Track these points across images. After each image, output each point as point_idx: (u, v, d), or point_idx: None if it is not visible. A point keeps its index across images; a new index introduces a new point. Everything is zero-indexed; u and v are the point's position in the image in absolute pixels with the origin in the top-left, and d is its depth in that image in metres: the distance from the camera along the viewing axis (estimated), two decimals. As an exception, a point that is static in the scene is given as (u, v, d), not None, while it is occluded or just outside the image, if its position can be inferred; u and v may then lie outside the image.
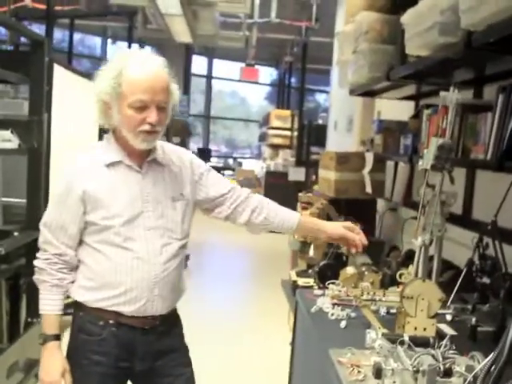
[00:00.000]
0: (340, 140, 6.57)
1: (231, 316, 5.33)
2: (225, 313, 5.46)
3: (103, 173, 1.80)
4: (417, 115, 3.32)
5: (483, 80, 2.92)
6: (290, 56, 11.24)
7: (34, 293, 3.37)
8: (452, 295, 2.35)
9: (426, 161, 2.02)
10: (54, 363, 1.81)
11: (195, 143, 16.02)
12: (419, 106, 3.67)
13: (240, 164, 14.81)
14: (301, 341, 2.45)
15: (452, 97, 2.01)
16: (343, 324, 2.10)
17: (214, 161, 15.33)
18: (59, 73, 3.85)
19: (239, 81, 12.62)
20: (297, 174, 9.39)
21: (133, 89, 1.70)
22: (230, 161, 15.87)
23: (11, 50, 6.45)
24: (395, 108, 4.34)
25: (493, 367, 1.21)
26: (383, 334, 1.76)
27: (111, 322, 1.81)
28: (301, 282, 3.17)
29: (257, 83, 11.43)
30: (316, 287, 2.79)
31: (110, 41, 12.42)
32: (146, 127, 1.72)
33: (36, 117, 3.40)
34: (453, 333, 2.01)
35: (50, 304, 1.82)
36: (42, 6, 6.61)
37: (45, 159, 3.56)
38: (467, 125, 2.47)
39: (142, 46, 10.02)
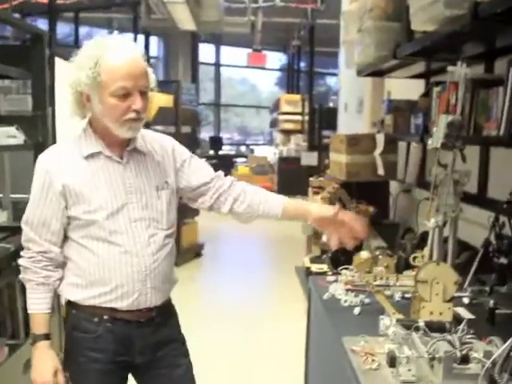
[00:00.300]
0: (351, 122, 6.47)
1: (247, 303, 5.32)
2: (240, 300, 5.44)
3: (82, 165, 1.75)
4: (427, 93, 3.23)
5: (494, 54, 2.83)
6: (297, 40, 11.10)
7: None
8: (469, 277, 2.28)
9: (436, 139, 1.95)
10: (45, 363, 1.78)
11: (207, 132, 15.97)
12: (429, 83, 3.58)
13: (252, 151, 14.74)
14: (315, 329, 2.40)
15: (460, 72, 1.93)
16: (357, 311, 2.05)
17: (226, 149, 15.26)
18: (62, 66, 3.81)
19: (247, 67, 12.53)
20: (309, 159, 9.31)
21: (113, 76, 1.64)
22: (243, 148, 15.79)
23: (12, 44, 6.42)
24: (405, 87, 4.25)
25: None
26: (397, 320, 1.70)
27: (106, 317, 1.78)
28: (314, 268, 3.11)
29: (264, 68, 11.32)
30: (330, 273, 2.74)
31: (116, 33, 12.36)
32: (132, 115, 1.68)
33: (40, 111, 3.37)
34: (470, 316, 1.94)
35: (36, 303, 1.78)
36: (45, 1, 6.56)
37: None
38: (478, 101, 2.38)
39: (147, 36, 9.96)
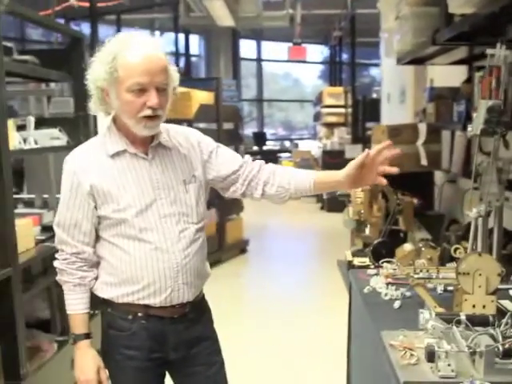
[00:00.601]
0: (394, 113, 6.36)
1: (292, 298, 5.29)
2: (285, 295, 5.42)
3: (109, 164, 1.74)
4: (469, 79, 3.13)
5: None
6: (338, 31, 10.95)
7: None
8: (515, 268, 2.19)
9: (476, 126, 1.88)
10: (87, 362, 1.80)
11: (252, 128, 15.99)
12: (472, 69, 3.46)
13: (296, 145, 14.67)
14: (355, 323, 2.36)
15: (500, 54, 1.85)
16: (397, 304, 2.00)
17: (270, 144, 15.25)
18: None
19: (288, 61, 12.45)
20: (353, 152, 9.17)
21: (129, 72, 1.63)
22: (287, 143, 15.74)
23: (53, 49, 6.57)
24: (448, 74, 4.13)
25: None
26: (437, 314, 1.64)
27: (140, 314, 1.79)
28: (356, 261, 3.06)
29: (305, 62, 11.22)
30: (372, 266, 2.69)
31: (157, 33, 12.53)
32: (148, 112, 1.66)
33: (82, 113, 3.44)
34: (516, 309, 1.87)
35: (74, 304, 1.80)
36: (87, 5, 6.70)
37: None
38: (522, 84, 2.29)
39: (187, 35, 10.04)
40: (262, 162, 1.95)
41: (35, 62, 3.15)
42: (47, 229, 3.20)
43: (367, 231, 3.53)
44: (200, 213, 1.85)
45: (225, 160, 1.90)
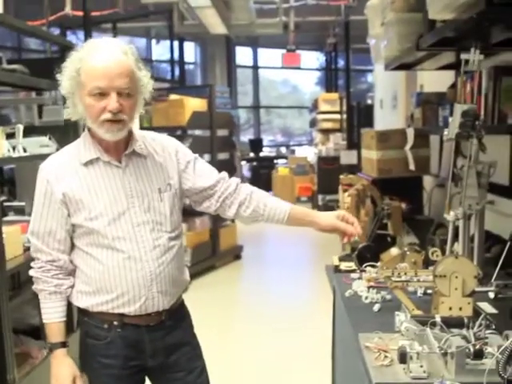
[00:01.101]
0: (386, 118, 6.39)
1: (285, 304, 5.30)
2: (279, 301, 5.43)
3: (82, 172, 1.74)
4: (454, 84, 3.15)
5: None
6: (332, 38, 11.00)
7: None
8: (496, 271, 2.21)
9: (452, 130, 1.90)
10: (63, 371, 1.78)
11: (250, 134, 16.01)
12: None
13: (293, 152, 14.70)
14: (338, 326, 2.38)
15: (474, 59, 1.87)
16: (376, 307, 2.03)
17: (266, 150, 15.26)
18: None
19: (282, 67, 12.48)
20: (349, 157, 9.19)
21: (90, 76, 1.64)
22: (283, 149, 15.77)
23: (43, 58, 6.61)
24: (437, 79, 4.16)
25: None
26: (413, 316, 1.66)
27: (115, 323, 1.79)
28: (343, 266, 3.07)
29: (300, 68, 11.26)
30: (358, 271, 2.71)
31: (154, 41, 12.57)
32: (107, 115, 1.65)
33: (71, 121, 3.45)
34: (493, 311, 1.89)
35: (50, 312, 1.80)
36: (81, 13, 6.74)
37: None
38: (502, 88, 2.31)
39: (181, 43, 10.08)
40: (239, 180, 1.95)
41: (24, 71, 3.17)
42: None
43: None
44: (174, 221, 1.85)
45: (202, 173, 1.90)
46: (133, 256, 1.75)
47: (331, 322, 2.61)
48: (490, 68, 2.37)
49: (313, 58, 16.64)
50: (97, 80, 1.63)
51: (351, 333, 1.83)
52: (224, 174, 1.96)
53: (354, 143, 9.47)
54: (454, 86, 3.18)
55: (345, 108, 10.26)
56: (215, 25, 6.62)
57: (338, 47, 12.10)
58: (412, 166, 3.74)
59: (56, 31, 9.44)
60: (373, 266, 2.20)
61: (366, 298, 2.12)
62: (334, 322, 2.48)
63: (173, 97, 6.31)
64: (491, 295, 2.06)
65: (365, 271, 2.21)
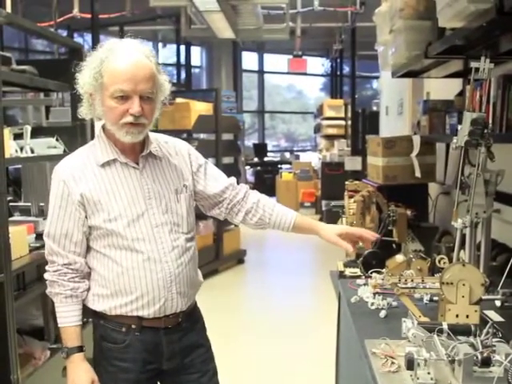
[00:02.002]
0: (392, 125, 6.39)
1: (290, 309, 5.29)
2: (282, 306, 5.42)
3: (99, 174, 1.73)
4: (462, 92, 3.15)
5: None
6: (339, 44, 11.03)
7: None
8: (502, 279, 2.21)
9: (461, 137, 1.90)
10: (80, 376, 1.75)
11: (255, 139, 16.02)
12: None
13: (297, 157, 14.71)
14: (343, 332, 2.38)
15: (484, 67, 1.87)
16: (383, 314, 2.02)
17: (271, 155, 15.27)
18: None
19: (288, 73, 12.52)
20: (353, 164, 9.21)
21: (113, 79, 1.64)
22: (287, 154, 15.78)
23: (51, 59, 6.65)
24: (444, 87, 4.16)
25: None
26: (420, 323, 1.66)
27: (133, 326, 1.77)
28: (348, 272, 3.08)
29: (306, 74, 11.28)
30: (363, 277, 2.71)
31: (160, 45, 12.60)
32: (129, 119, 1.65)
33: (79, 122, 3.47)
34: (500, 319, 1.88)
35: (67, 316, 1.76)
36: (90, 16, 6.76)
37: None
38: (510, 97, 2.31)
39: (188, 47, 10.12)
40: (247, 187, 1.99)
41: (33, 72, 3.18)
42: (42, 237, 3.23)
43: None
44: (190, 223, 1.86)
45: (212, 178, 1.92)
46: (152, 257, 1.74)
47: (335, 328, 2.60)
48: (499, 77, 2.37)
49: (318, 64, 16.67)
50: (120, 83, 1.63)
51: (357, 339, 1.83)
52: (233, 179, 1.98)
53: (358, 149, 9.49)
54: (461, 93, 3.19)
55: (350, 114, 10.28)
56: (223, 29, 6.64)
57: (343, 53, 12.12)
58: (418, 174, 3.73)
59: (63, 33, 9.48)
60: (378, 273, 2.20)
61: (372, 304, 2.12)
62: (339, 327, 2.48)
63: (179, 100, 6.33)
64: (498, 303, 2.06)
65: (370, 277, 2.22)
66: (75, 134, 3.45)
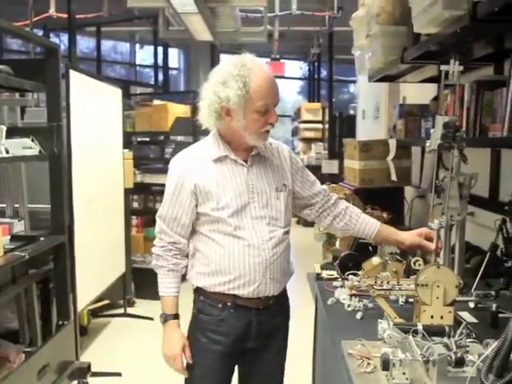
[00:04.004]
0: (368, 129, 6.45)
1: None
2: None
3: (211, 167, 1.93)
4: (437, 97, 3.20)
5: (503, 55, 2.79)
6: (316, 48, 11.11)
7: (63, 297, 3.47)
8: (476, 281, 2.25)
9: (433, 141, 1.94)
10: (174, 339, 1.97)
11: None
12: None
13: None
14: (320, 333, 2.40)
15: (453, 70, 1.91)
16: (359, 315, 2.04)
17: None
18: (79, 79, 3.89)
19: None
20: (330, 167, 9.28)
21: (260, 95, 1.83)
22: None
23: (27, 59, 6.56)
24: (420, 92, 4.22)
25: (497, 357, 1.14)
26: (395, 324, 1.68)
27: (229, 304, 1.95)
28: (325, 274, 3.09)
29: (284, 77, 11.33)
30: (339, 279, 2.73)
31: (138, 46, 12.56)
32: (269, 127, 1.90)
33: (55, 123, 3.44)
34: (473, 320, 1.92)
35: (167, 287, 1.99)
36: (66, 16, 6.69)
37: (66, 165, 3.60)
38: (484, 102, 2.36)
39: (165, 48, 10.09)
40: (336, 196, 2.23)
41: (9, 72, 3.15)
42: (17, 238, 3.19)
43: (337, 244, 3.57)
44: (287, 218, 2.04)
45: (308, 181, 2.14)
46: (252, 244, 1.92)
47: (312, 329, 2.62)
48: (473, 82, 2.42)
49: (296, 68, 16.76)
50: (266, 98, 1.85)
51: (334, 340, 1.85)
52: (325, 186, 2.24)
53: (335, 153, 9.56)
54: (436, 98, 3.23)
55: (327, 118, 10.35)
56: (201, 31, 6.63)
57: (321, 57, 12.20)
58: (394, 177, 3.78)
59: (39, 32, 9.38)
60: (355, 275, 2.22)
61: (349, 305, 2.14)
62: (316, 329, 2.50)
63: (156, 102, 6.31)
64: (471, 305, 2.10)
65: (347, 279, 2.24)
66: (51, 135, 3.41)
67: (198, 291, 2.02)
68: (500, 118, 2.21)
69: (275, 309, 2.03)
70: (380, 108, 5.80)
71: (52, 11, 7.06)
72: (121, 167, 4.93)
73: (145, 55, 13.65)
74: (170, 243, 1.99)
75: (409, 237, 2.11)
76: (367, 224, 2.15)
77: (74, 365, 3.43)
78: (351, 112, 10.34)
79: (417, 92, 4.38)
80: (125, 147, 5.11)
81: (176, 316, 2.00)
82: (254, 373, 2.10)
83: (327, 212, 2.16)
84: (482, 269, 2.25)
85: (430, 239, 2.07)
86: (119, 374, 3.84)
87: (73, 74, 3.75)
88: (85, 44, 13.25)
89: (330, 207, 2.16)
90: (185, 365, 2.00)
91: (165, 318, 2.00)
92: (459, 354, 1.43)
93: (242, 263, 1.92)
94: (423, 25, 2.31)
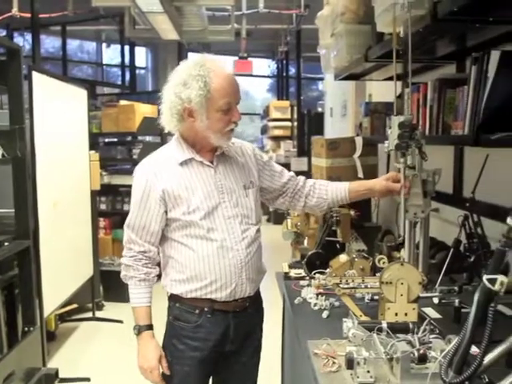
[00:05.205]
0: (336, 126, 6.49)
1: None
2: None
3: (178, 171, 1.92)
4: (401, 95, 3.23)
5: (465, 53, 2.83)
6: (284, 46, 11.14)
7: (29, 302, 3.41)
8: (440, 277, 2.28)
9: (391, 141, 1.96)
10: (150, 351, 1.94)
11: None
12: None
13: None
14: (287, 333, 2.40)
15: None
16: (325, 314, 2.06)
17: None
18: (42, 80, 3.82)
19: (234, 74, 12.52)
20: (299, 164, 9.32)
21: (222, 93, 1.84)
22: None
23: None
24: (385, 89, 4.24)
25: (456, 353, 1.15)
26: (360, 323, 1.69)
27: (206, 309, 1.94)
28: (293, 273, 3.10)
29: (252, 75, 11.34)
30: (307, 278, 2.73)
31: (104, 45, 12.39)
32: (233, 126, 1.91)
33: (17, 126, 3.37)
34: (437, 316, 1.94)
35: (139, 297, 1.97)
36: (29, 15, 6.56)
37: (30, 168, 3.54)
38: (446, 100, 2.38)
39: (132, 47, 9.98)
40: (304, 177, 2.24)
41: (-32, 73, 3.08)
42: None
43: (305, 243, 3.58)
44: (258, 215, 2.06)
45: (276, 172, 2.16)
46: (225, 245, 1.92)
47: (280, 330, 2.62)
48: (435, 80, 2.44)
49: (264, 65, 16.76)
50: (228, 96, 1.85)
51: (300, 340, 1.85)
52: (292, 172, 2.22)
53: (304, 150, 9.61)
54: (400, 96, 3.26)
55: (295, 115, 10.39)
56: (167, 30, 6.57)
57: (289, 55, 12.23)
58: (360, 174, 3.81)
59: (2, 32, 9.20)
60: (322, 273, 2.23)
61: (315, 305, 2.15)
62: (284, 329, 2.50)
63: (123, 102, 6.23)
64: (435, 300, 2.12)
65: (314, 278, 2.25)
66: (13, 138, 3.35)
67: (174, 298, 2.00)
68: (461, 115, 2.24)
69: (251, 311, 2.04)
70: (347, 106, 5.84)
71: (15, 11, 6.91)
72: (87, 169, 4.87)
73: (112, 54, 13.49)
74: (139, 252, 1.96)
75: (377, 182, 2.16)
76: (337, 189, 2.18)
77: (41, 372, 3.37)
78: (319, 109, 10.39)
79: (382, 90, 4.41)
80: (91, 148, 5.05)
81: (150, 327, 1.98)
82: (231, 377, 2.09)
83: (299, 194, 2.18)
84: (445, 264, 2.29)
85: (397, 182, 2.09)
86: (88, 380, 3.79)
87: (35, 75, 3.68)
88: (50, 43, 13.04)
89: (300, 189, 2.18)
90: (161, 375, 1.98)
91: (139, 330, 1.96)
92: (422, 351, 1.45)
93: (217, 266, 1.92)
94: (386, 24, 2.33)
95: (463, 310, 1.90)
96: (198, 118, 1.86)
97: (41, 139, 3.71)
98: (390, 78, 3.80)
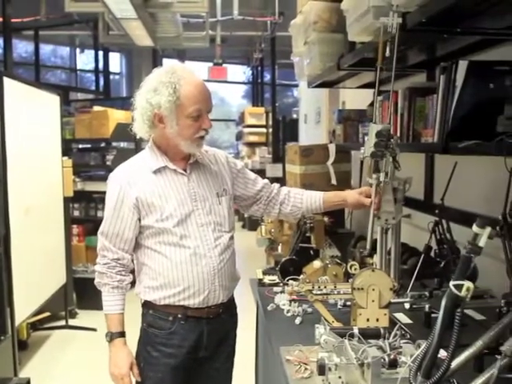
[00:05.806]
0: (310, 133, 6.53)
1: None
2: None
3: (151, 179, 1.93)
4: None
5: (435, 62, 2.88)
6: (259, 52, 11.19)
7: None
8: (411, 282, 2.31)
9: (367, 149, 1.99)
10: (121, 358, 1.94)
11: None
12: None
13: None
14: (261, 341, 2.41)
15: (392, 22, 1.94)
16: (298, 320, 2.07)
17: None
18: (14, 86, 3.78)
19: (208, 81, 12.55)
20: (274, 171, 9.35)
21: (192, 100, 1.85)
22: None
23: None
24: (358, 97, 4.30)
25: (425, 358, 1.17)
26: (332, 329, 1.71)
27: (180, 316, 1.95)
28: (267, 279, 3.11)
29: (227, 82, 11.37)
30: (281, 284, 2.74)
31: (78, 50, 12.29)
32: (202, 133, 1.91)
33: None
34: (408, 321, 1.97)
35: (112, 305, 1.96)
36: (1, 19, 6.48)
37: (1, 174, 3.50)
38: (416, 108, 2.43)
39: (106, 53, 9.92)
40: (278, 184, 2.28)
41: None
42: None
43: (279, 249, 3.59)
44: (231, 222, 2.07)
45: (250, 180, 2.18)
46: (198, 252, 1.93)
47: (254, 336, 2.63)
48: (406, 89, 2.48)
49: (239, 72, 16.80)
50: (198, 103, 1.87)
51: (273, 346, 1.86)
52: (266, 180, 2.26)
53: (279, 157, 9.64)
54: (372, 104, 3.30)
55: (271, 122, 10.43)
56: (141, 37, 6.55)
57: (264, 62, 12.28)
58: (334, 181, 3.84)
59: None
60: (295, 280, 2.25)
61: (288, 311, 2.17)
62: (257, 336, 2.51)
63: (96, 108, 6.19)
64: (407, 306, 2.15)
65: (287, 285, 2.26)
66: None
67: (147, 305, 2.01)
68: (431, 123, 2.28)
69: (225, 317, 2.05)
70: (321, 112, 5.89)
71: (-15, 15, 6.80)
72: (60, 175, 4.82)
73: (86, 59, 13.38)
74: (113, 260, 1.97)
75: (350, 195, 2.21)
76: (312, 198, 2.22)
77: (13, 381, 3.32)
78: (294, 116, 10.45)
79: (355, 97, 4.46)
80: (64, 155, 5.01)
81: (122, 334, 1.98)
82: (206, 383, 2.09)
83: (273, 202, 2.21)
84: (416, 270, 2.32)
85: (369, 197, 2.14)
86: (61, 388, 3.75)
87: (6, 80, 3.65)
88: (23, 48, 12.88)
89: (275, 196, 2.21)
90: (134, 383, 1.98)
91: (111, 337, 1.96)
92: (392, 356, 1.47)
93: (190, 273, 1.93)
94: (357, 33, 2.36)
95: (433, 315, 1.93)
96: (167, 124, 1.87)
97: (12, 145, 3.67)
98: (363, 86, 3.87)
